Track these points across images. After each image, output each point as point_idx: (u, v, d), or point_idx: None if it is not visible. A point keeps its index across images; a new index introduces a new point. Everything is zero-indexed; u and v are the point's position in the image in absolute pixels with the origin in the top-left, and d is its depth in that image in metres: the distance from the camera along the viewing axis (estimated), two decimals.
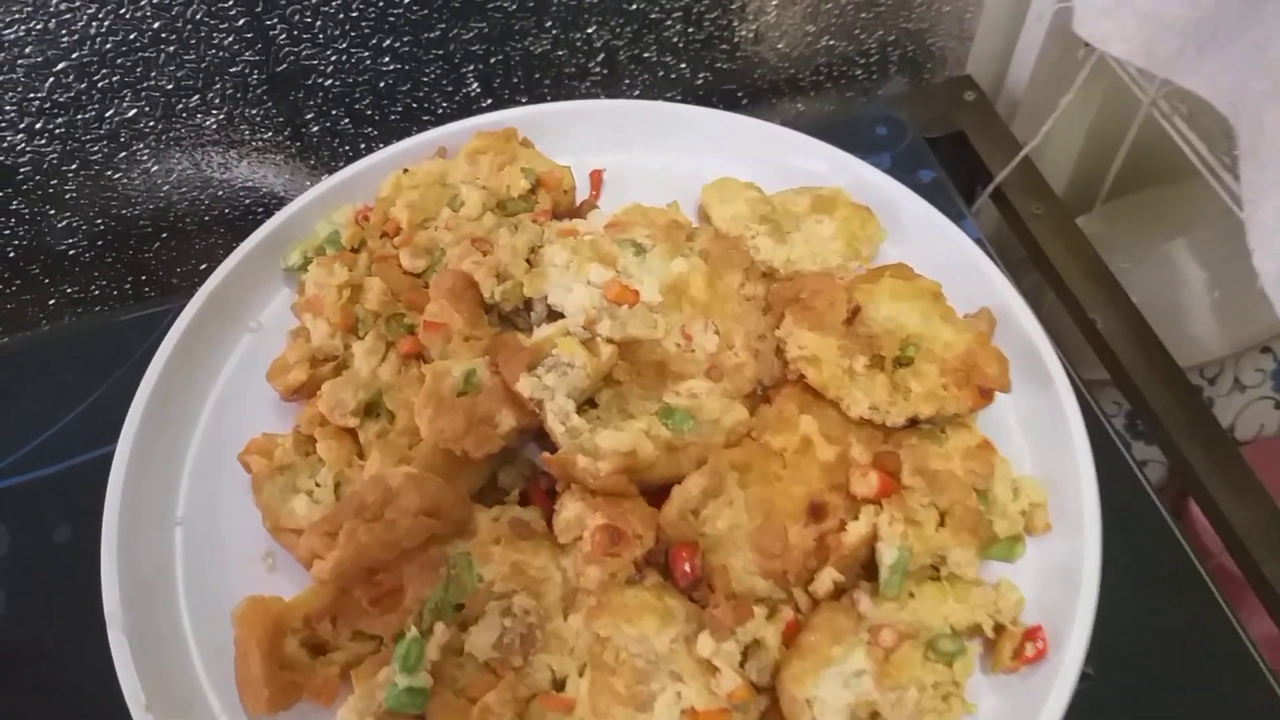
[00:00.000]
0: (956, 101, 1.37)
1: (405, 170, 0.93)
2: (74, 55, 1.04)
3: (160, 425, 0.82)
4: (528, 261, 0.88)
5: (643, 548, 0.73)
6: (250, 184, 1.23)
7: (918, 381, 0.81)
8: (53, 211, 1.17)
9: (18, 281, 1.22)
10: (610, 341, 0.79)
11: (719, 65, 1.32)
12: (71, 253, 1.22)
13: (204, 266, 1.27)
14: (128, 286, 1.28)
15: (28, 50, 1.02)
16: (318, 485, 0.78)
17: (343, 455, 0.78)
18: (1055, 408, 0.86)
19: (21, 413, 0.98)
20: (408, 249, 0.89)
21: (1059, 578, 0.78)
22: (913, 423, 0.81)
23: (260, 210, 1.26)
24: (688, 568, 0.73)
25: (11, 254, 1.19)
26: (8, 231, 1.16)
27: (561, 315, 0.85)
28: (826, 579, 0.73)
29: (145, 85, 1.10)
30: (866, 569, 0.77)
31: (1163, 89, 1.11)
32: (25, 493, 0.92)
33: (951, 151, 1.33)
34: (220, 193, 1.23)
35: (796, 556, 0.74)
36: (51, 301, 1.26)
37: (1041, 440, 0.86)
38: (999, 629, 0.74)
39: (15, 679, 0.81)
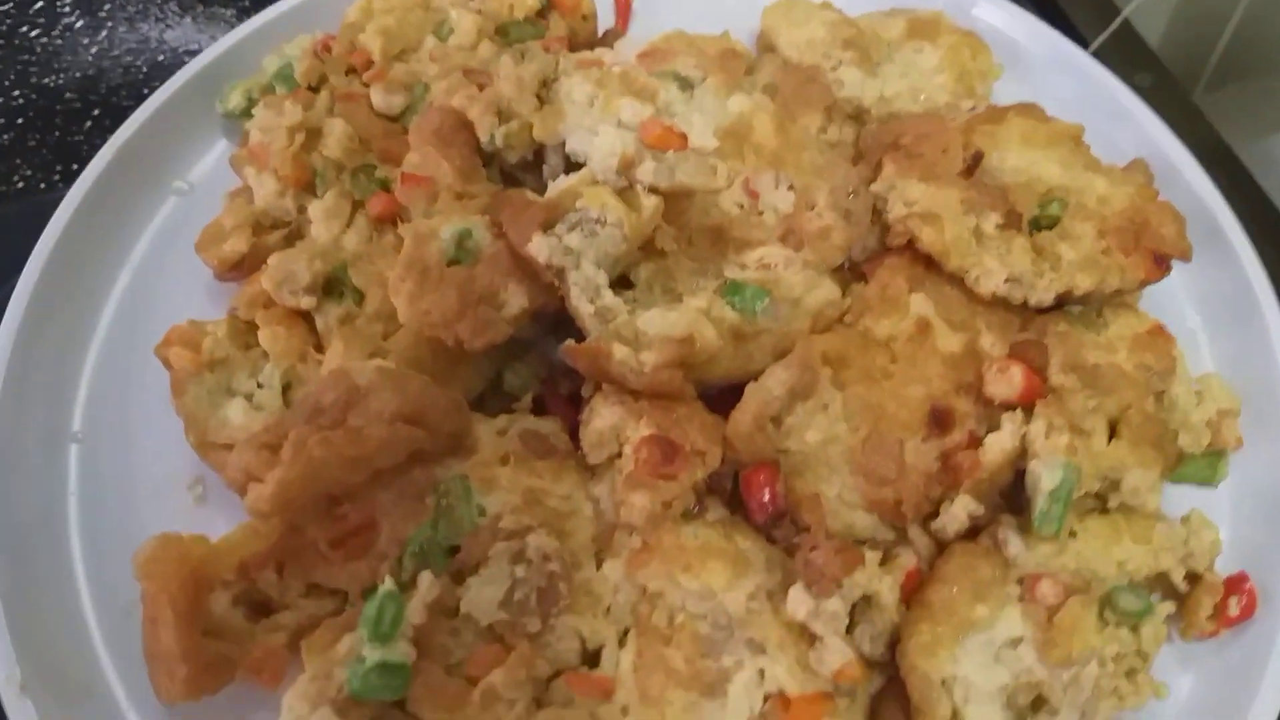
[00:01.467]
0: None
1: None
2: None
3: (52, 311, 0.63)
4: (538, 99, 0.67)
5: (705, 468, 0.53)
6: (197, 47, 1.01)
7: (1069, 246, 0.61)
8: None
9: None
10: (654, 191, 0.58)
11: None
12: None
13: None
14: (57, 178, 1.07)
15: None
16: (260, 387, 0.58)
17: (293, 346, 0.58)
18: (1239, 285, 0.65)
19: None
20: (381, 85, 0.69)
21: (1264, 509, 0.58)
22: (1059, 304, 0.60)
23: None
24: (766, 496, 0.54)
25: None
26: None
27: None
28: (959, 511, 0.54)
29: None
30: (1007, 499, 0.57)
31: None
32: None
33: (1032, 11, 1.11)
34: (161, 58, 1.02)
35: (915, 481, 0.55)
36: None
37: (1221, 324, 0.66)
38: (1192, 578, 0.55)
39: None
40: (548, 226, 0.57)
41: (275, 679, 0.51)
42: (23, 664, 0.51)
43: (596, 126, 0.64)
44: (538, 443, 0.57)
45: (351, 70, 0.72)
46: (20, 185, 1.08)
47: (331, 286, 0.61)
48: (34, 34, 0.96)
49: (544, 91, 0.68)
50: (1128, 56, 1.04)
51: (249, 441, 0.51)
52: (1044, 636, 0.50)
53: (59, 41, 0.97)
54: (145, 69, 1.02)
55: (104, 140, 1.07)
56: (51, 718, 0.50)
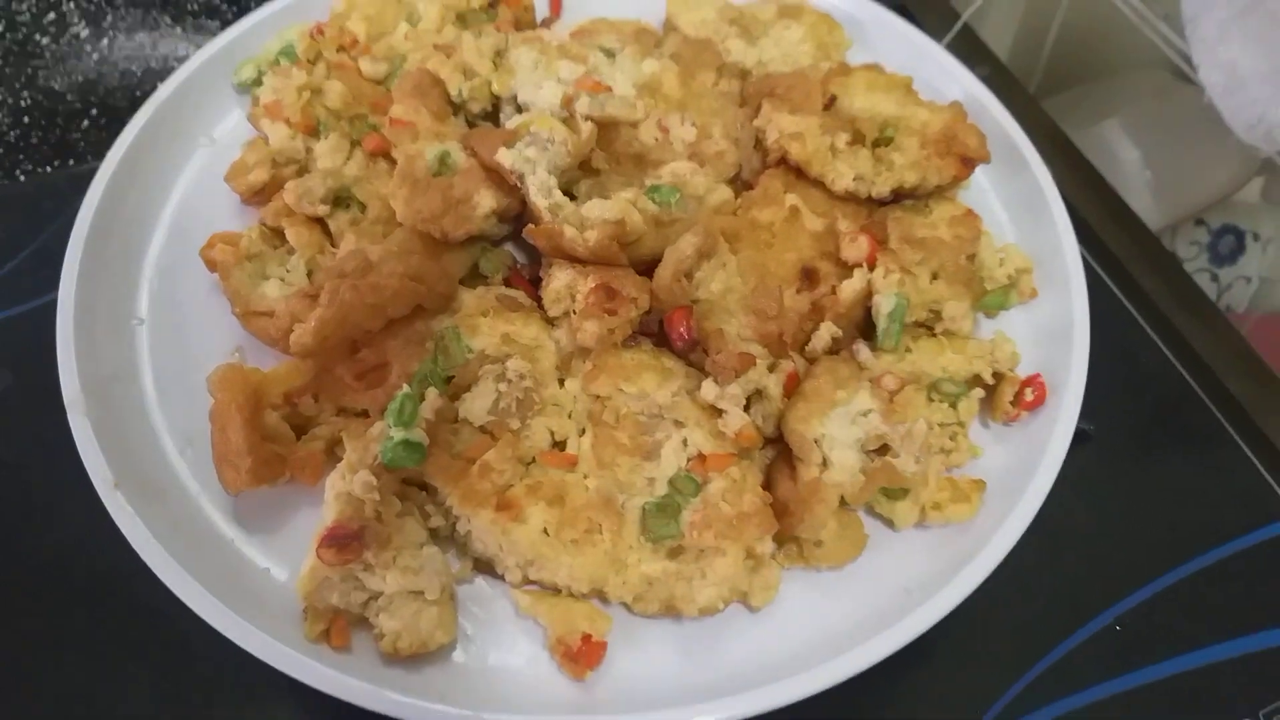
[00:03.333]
0: None
1: None
2: None
3: (115, 226, 0.78)
4: (494, 64, 0.85)
5: (638, 309, 0.70)
6: (186, 54, 1.16)
7: (900, 155, 0.81)
8: None
9: None
10: (589, 119, 0.77)
11: None
12: None
13: None
14: (53, 170, 1.20)
15: None
16: (289, 271, 0.73)
17: (314, 241, 0.74)
18: (1033, 187, 0.87)
19: None
20: (367, 57, 0.86)
21: (1051, 336, 0.78)
22: (896, 199, 0.81)
23: None
24: (684, 329, 0.71)
25: None
26: None
27: None
28: (824, 334, 0.72)
29: None
30: (862, 331, 0.76)
31: None
32: None
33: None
34: (153, 65, 1.16)
35: (792, 318, 0.73)
36: None
37: (1022, 218, 0.87)
38: (998, 376, 0.74)
39: None
40: (509, 144, 0.75)
41: (315, 476, 0.66)
42: (112, 467, 0.64)
43: (541, 82, 0.83)
44: (509, 301, 0.73)
45: (341, 49, 0.89)
46: (22, 179, 1.21)
47: (339, 201, 0.77)
48: (44, 41, 1.09)
49: (498, 59, 0.87)
50: (970, 55, 1.25)
51: (294, 294, 0.67)
52: (886, 408, 0.68)
53: (66, 48, 1.11)
54: (139, 74, 1.16)
55: (99, 138, 1.21)
56: (141, 507, 0.63)
